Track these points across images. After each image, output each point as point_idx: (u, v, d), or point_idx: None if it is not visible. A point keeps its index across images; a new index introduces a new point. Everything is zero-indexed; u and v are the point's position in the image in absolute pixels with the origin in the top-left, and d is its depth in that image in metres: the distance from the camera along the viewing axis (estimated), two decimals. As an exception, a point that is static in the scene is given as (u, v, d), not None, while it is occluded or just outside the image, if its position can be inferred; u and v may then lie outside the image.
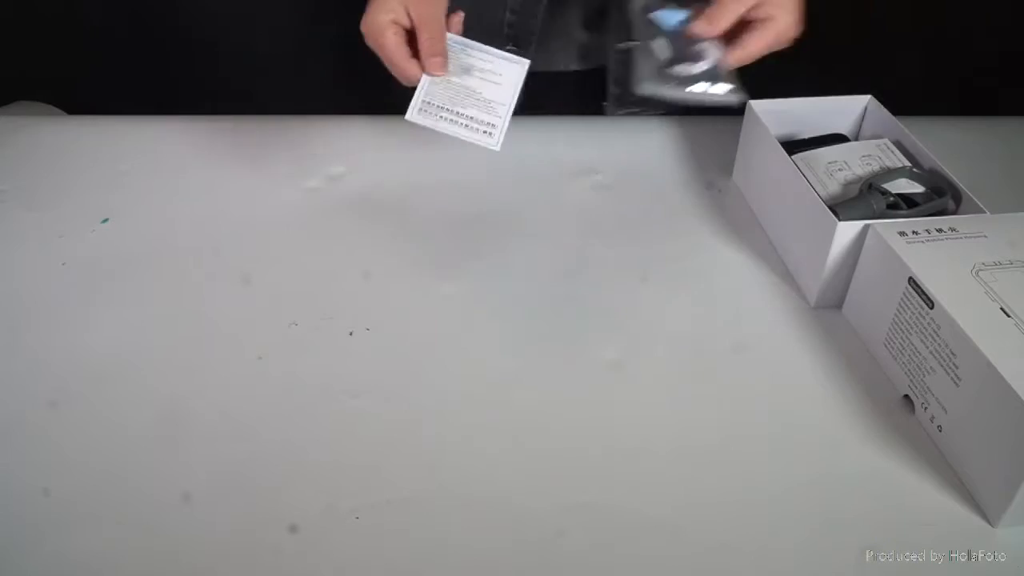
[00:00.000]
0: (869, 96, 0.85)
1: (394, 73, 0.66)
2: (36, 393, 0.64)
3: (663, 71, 0.57)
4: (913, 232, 0.65)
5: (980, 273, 0.61)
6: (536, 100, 0.97)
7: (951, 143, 0.79)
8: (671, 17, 0.61)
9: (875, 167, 0.78)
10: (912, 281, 0.62)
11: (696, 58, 0.59)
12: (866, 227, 0.67)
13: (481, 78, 0.60)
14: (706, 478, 0.59)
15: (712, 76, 0.57)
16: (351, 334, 0.70)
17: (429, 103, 0.57)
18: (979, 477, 0.57)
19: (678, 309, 0.73)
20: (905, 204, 0.73)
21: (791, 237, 0.78)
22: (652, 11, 0.61)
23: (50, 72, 1.62)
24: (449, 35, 0.63)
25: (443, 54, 0.65)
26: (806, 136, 0.85)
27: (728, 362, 0.67)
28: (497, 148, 0.55)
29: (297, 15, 1.61)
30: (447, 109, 0.57)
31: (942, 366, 0.59)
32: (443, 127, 0.56)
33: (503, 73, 0.61)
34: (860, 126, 0.87)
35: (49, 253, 0.77)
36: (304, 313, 0.71)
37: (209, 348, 0.68)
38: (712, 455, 0.60)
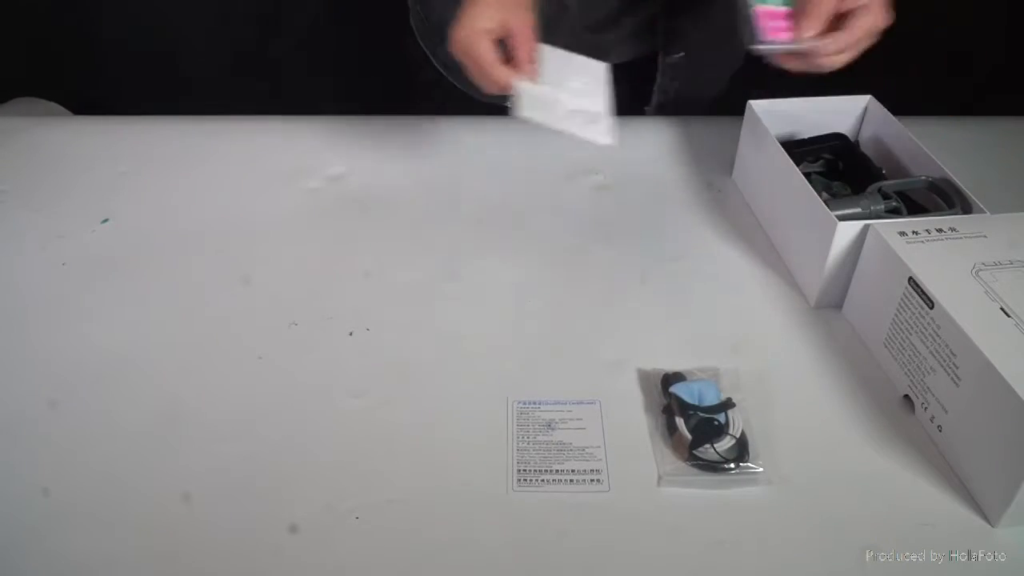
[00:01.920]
0: (869, 96, 0.85)
1: (481, 81, 0.70)
2: (36, 393, 0.64)
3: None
4: (913, 232, 0.65)
5: (980, 273, 0.61)
6: None
7: (951, 143, 0.79)
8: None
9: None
10: (912, 281, 0.62)
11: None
12: (866, 227, 0.67)
13: (564, 428, 0.62)
14: (706, 478, 0.59)
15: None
16: (351, 334, 0.70)
17: (525, 470, 0.59)
18: (979, 477, 0.57)
19: (678, 309, 0.73)
20: (906, 208, 0.73)
21: (791, 237, 0.78)
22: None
23: (51, 71, 1.62)
24: (516, 400, 0.64)
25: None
26: (806, 136, 0.85)
27: (728, 362, 0.67)
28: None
29: (298, 15, 1.61)
30: (545, 470, 0.59)
31: (942, 366, 0.59)
32: (549, 488, 0.58)
33: (583, 417, 0.63)
34: (860, 126, 0.87)
35: (49, 253, 0.78)
36: (304, 313, 0.71)
37: (209, 348, 0.68)
38: (712, 455, 0.60)
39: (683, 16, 0.91)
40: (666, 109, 1.00)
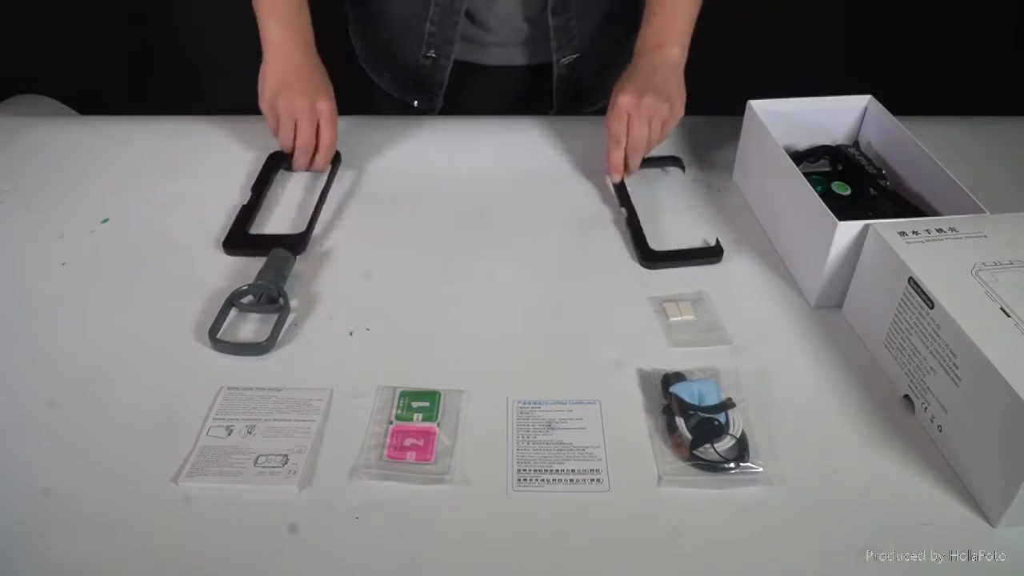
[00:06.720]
0: (869, 96, 0.85)
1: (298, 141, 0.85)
2: (36, 393, 0.64)
3: None
4: (913, 232, 0.65)
5: (980, 273, 0.61)
6: (484, 97, 0.99)
7: (951, 143, 0.79)
8: None
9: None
10: (912, 281, 0.62)
11: None
12: (866, 227, 0.67)
13: (564, 428, 0.62)
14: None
15: None
16: (351, 334, 0.70)
17: (525, 470, 0.59)
18: (979, 477, 0.57)
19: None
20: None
21: (791, 237, 0.78)
22: None
23: (52, 69, 1.62)
24: (516, 400, 0.64)
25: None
26: (801, 146, 0.85)
27: (728, 362, 0.67)
28: (609, 492, 0.58)
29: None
30: (545, 470, 0.59)
31: (942, 366, 0.59)
32: (549, 488, 0.58)
33: (583, 417, 0.63)
34: (860, 126, 0.87)
35: (49, 253, 0.77)
36: (304, 313, 0.71)
37: (209, 348, 0.68)
38: (712, 455, 0.60)
39: (571, 16, 0.93)
40: (569, 107, 1.02)
